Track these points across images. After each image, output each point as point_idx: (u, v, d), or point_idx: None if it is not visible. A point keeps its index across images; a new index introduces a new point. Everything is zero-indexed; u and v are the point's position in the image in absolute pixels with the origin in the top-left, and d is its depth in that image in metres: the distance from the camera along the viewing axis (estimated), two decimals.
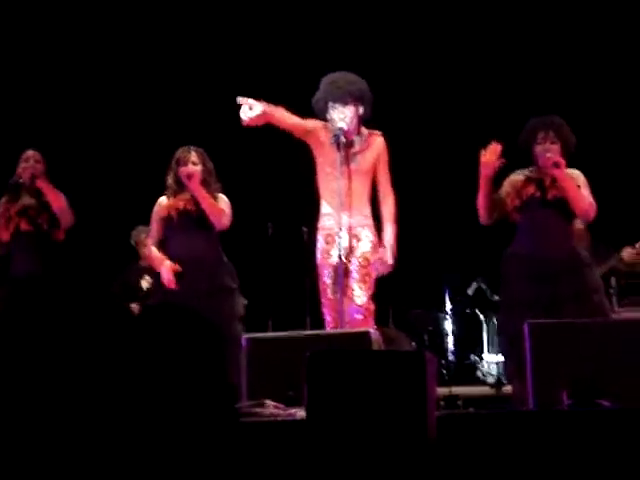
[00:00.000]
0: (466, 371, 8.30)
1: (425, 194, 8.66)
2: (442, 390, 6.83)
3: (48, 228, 5.70)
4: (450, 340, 8.45)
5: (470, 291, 8.66)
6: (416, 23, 8.57)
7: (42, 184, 5.66)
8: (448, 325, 8.48)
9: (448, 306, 8.53)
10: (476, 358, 8.37)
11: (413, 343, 8.00)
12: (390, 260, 5.22)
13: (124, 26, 8.45)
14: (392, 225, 5.28)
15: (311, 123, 5.32)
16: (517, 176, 5.26)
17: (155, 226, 5.61)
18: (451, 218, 8.54)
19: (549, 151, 5.10)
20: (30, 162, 5.71)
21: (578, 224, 5.88)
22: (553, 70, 8.34)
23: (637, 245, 6.75)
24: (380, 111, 5.58)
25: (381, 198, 5.32)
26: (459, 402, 6.67)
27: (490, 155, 5.10)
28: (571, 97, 7.86)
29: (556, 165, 5.02)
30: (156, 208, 5.59)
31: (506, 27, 8.43)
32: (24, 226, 5.68)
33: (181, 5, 8.48)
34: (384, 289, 6.98)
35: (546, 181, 5.14)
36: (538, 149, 5.15)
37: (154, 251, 5.56)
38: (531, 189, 5.15)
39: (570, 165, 5.14)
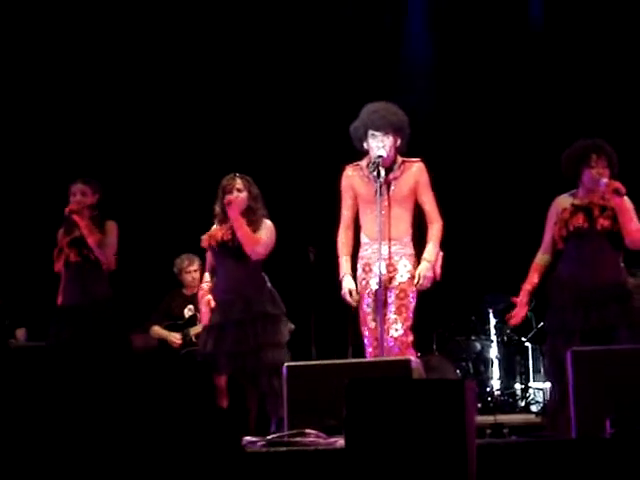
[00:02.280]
0: (511, 399, 8.22)
1: (472, 219, 8.64)
2: (487, 418, 6.76)
3: (95, 258, 5.80)
4: (495, 367, 8.38)
5: None
6: (447, 54, 8.61)
7: (78, 220, 5.78)
8: (493, 352, 8.41)
9: (492, 333, 8.46)
10: (522, 386, 8.30)
11: (457, 371, 7.94)
12: (428, 273, 5.20)
13: (170, 60, 8.58)
14: (434, 245, 5.28)
15: (347, 183, 5.40)
16: (563, 202, 5.19)
17: (207, 255, 5.72)
18: (498, 246, 8.52)
19: (603, 175, 5.03)
20: (76, 197, 5.84)
21: None
22: (589, 95, 8.31)
23: None
24: (422, 137, 5.61)
25: (428, 224, 5.35)
26: (505, 430, 6.59)
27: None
28: (607, 123, 7.81)
29: (618, 193, 4.95)
30: (203, 237, 5.69)
31: (537, 54, 8.44)
32: (73, 257, 5.83)
33: (224, 38, 8.59)
34: (429, 316, 6.97)
35: (595, 211, 5.07)
36: (591, 172, 5.07)
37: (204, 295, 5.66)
38: (579, 219, 5.07)
39: None
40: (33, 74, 8.38)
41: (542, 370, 8.40)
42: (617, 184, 4.96)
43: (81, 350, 5.63)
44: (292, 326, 5.83)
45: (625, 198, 5.02)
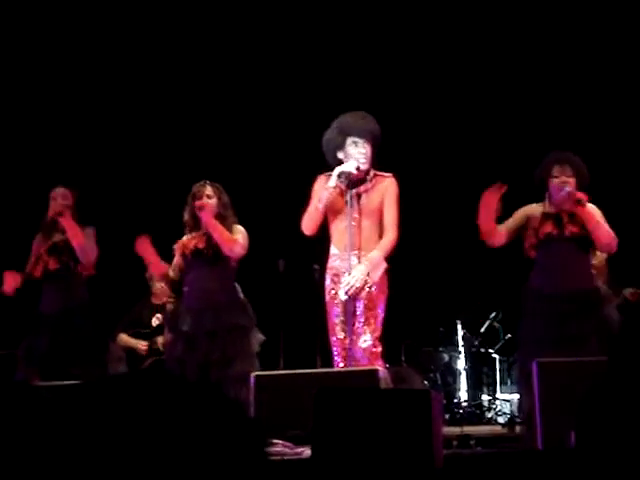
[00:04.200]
0: (478, 410, 8.26)
1: (439, 231, 8.68)
2: (454, 430, 6.77)
3: (74, 265, 5.78)
4: (463, 379, 8.41)
5: (482, 329, 8.64)
6: (423, 61, 8.65)
7: (64, 221, 5.75)
8: (461, 364, 8.44)
9: (460, 344, 8.50)
10: (489, 397, 8.33)
11: (425, 382, 7.96)
12: (360, 275, 5.07)
13: (147, 68, 8.58)
14: (378, 253, 5.16)
15: (319, 187, 5.31)
16: (532, 211, 5.26)
17: (175, 261, 5.71)
18: (467, 258, 8.56)
19: (566, 184, 5.11)
20: (58, 200, 5.81)
21: (596, 260, 5.89)
22: (563, 106, 8.37)
23: None
24: (394, 151, 5.63)
25: (383, 234, 5.26)
26: (472, 442, 6.61)
27: (490, 193, 5.13)
28: (582, 133, 7.88)
29: (579, 202, 5.03)
30: (175, 246, 5.67)
31: (514, 65, 8.49)
32: (52, 264, 5.80)
33: (203, 44, 8.59)
34: (397, 327, 6.98)
35: (564, 218, 5.14)
36: (554, 182, 5.17)
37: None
38: (548, 227, 5.15)
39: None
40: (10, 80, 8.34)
41: (509, 382, 8.46)
42: (579, 194, 5.05)
43: (58, 358, 5.60)
44: (262, 337, 5.81)
45: (589, 205, 5.09)
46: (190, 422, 1.64)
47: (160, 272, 5.84)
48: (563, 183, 5.12)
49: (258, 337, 5.61)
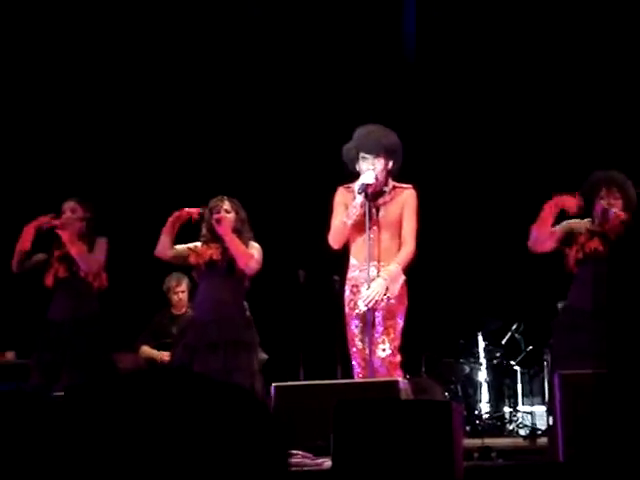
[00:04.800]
0: (500, 422, 8.22)
1: (461, 242, 8.67)
2: (475, 442, 6.75)
3: (85, 275, 5.82)
4: (484, 391, 8.38)
5: (504, 341, 8.61)
6: (448, 71, 8.65)
7: (63, 235, 5.80)
8: (482, 375, 8.41)
9: (482, 356, 8.47)
10: (510, 409, 8.29)
11: (446, 393, 7.94)
12: (379, 289, 5.08)
13: (161, 81, 8.62)
14: (396, 265, 5.16)
15: (340, 199, 5.34)
16: (578, 226, 5.28)
17: (180, 247, 5.69)
18: (489, 270, 8.55)
19: (613, 207, 5.13)
20: (65, 213, 5.87)
21: None
22: (585, 119, 8.34)
23: None
24: (415, 162, 5.62)
25: (401, 246, 5.26)
26: (493, 454, 6.58)
27: (568, 198, 5.14)
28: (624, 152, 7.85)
29: (624, 223, 5.07)
30: (190, 251, 5.68)
31: (539, 75, 8.47)
32: (62, 272, 5.84)
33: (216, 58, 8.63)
34: (417, 338, 6.97)
35: (611, 236, 5.16)
36: (602, 204, 5.18)
37: None
38: (595, 243, 5.17)
39: None
40: (20, 92, 8.40)
41: (531, 394, 8.41)
42: (623, 214, 5.07)
43: (65, 367, 5.62)
44: (265, 356, 5.81)
45: None
46: (213, 422, 1.65)
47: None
48: (610, 205, 5.14)
49: (260, 356, 5.62)
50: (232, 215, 5.61)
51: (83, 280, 5.84)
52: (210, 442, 1.69)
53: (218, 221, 5.52)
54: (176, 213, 5.63)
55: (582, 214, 5.30)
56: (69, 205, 5.93)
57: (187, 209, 5.61)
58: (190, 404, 1.72)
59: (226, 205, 5.63)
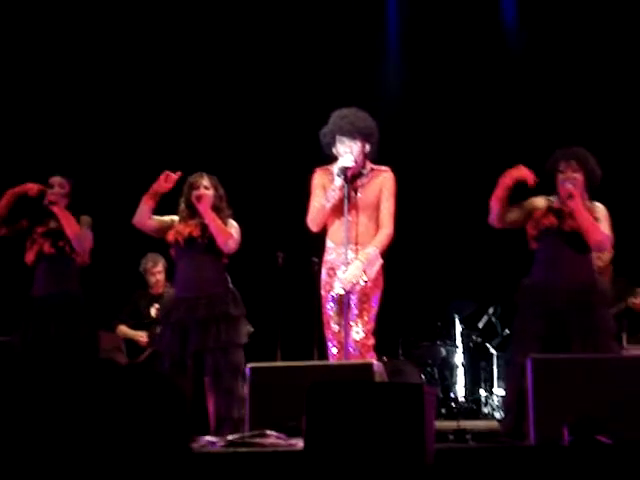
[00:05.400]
0: (475, 405, 8.28)
1: (438, 225, 8.70)
2: (450, 424, 6.78)
3: (70, 251, 5.79)
4: (460, 373, 8.43)
5: (481, 324, 8.66)
6: (424, 55, 8.66)
7: (57, 210, 5.76)
8: (458, 358, 8.46)
9: (458, 339, 8.52)
10: (486, 393, 8.35)
11: (422, 376, 7.98)
12: (356, 271, 5.11)
13: (143, 63, 8.60)
14: (374, 248, 5.19)
15: (318, 181, 5.35)
16: (540, 202, 5.27)
17: (159, 218, 5.68)
18: (465, 252, 8.58)
19: (570, 180, 5.12)
20: (54, 188, 5.83)
21: (600, 260, 5.89)
22: (577, 104, 8.38)
23: None
24: (392, 145, 5.63)
25: (378, 228, 5.28)
26: (468, 436, 6.62)
27: (518, 170, 5.14)
28: (591, 129, 7.89)
29: (570, 196, 5.05)
30: (167, 223, 5.66)
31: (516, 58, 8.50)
32: (47, 248, 5.80)
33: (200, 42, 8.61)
34: (395, 321, 7.00)
35: (565, 211, 5.16)
36: (560, 178, 5.18)
37: None
38: (549, 219, 5.15)
39: (597, 199, 5.18)
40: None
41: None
42: (570, 188, 5.06)
43: (47, 346, 5.60)
44: (251, 328, 5.82)
45: (596, 204, 5.12)
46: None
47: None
48: (568, 179, 5.13)
49: (247, 328, 5.63)
50: (211, 192, 5.60)
51: (68, 256, 5.81)
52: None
53: (198, 198, 5.50)
54: (157, 181, 5.58)
55: (549, 191, 5.32)
56: (57, 180, 5.87)
57: (167, 172, 5.55)
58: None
59: (205, 181, 5.61)
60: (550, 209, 5.20)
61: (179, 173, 5.54)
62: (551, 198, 5.26)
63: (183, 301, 5.50)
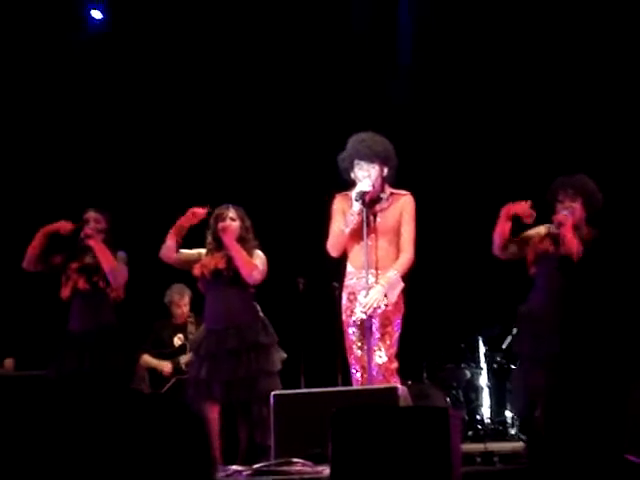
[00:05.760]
0: (502, 427, 8.21)
1: (460, 248, 8.67)
2: (477, 446, 6.74)
3: (104, 286, 5.81)
4: (485, 395, 8.38)
5: (504, 345, 8.61)
6: (440, 80, 8.67)
7: (94, 244, 5.78)
8: (483, 380, 8.41)
9: (482, 361, 8.47)
10: (512, 414, 8.29)
11: (447, 399, 7.94)
12: (377, 295, 5.11)
13: (162, 88, 8.66)
14: (395, 272, 5.19)
15: (338, 206, 5.37)
16: (540, 229, 5.37)
17: (186, 252, 5.71)
18: (488, 274, 8.55)
19: (568, 209, 5.18)
20: (90, 223, 5.84)
21: None
22: (578, 130, 8.36)
23: None
24: (412, 168, 5.64)
25: (399, 253, 5.29)
26: (495, 458, 6.58)
27: (516, 205, 5.18)
28: (599, 158, 7.87)
29: (559, 224, 5.15)
30: (193, 257, 5.68)
31: (530, 88, 8.49)
32: (82, 284, 5.82)
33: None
34: (418, 344, 6.98)
35: (561, 237, 5.20)
36: (558, 207, 5.27)
37: None
38: (546, 244, 5.25)
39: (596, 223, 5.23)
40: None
41: None
42: (560, 217, 5.14)
43: (81, 380, 5.62)
44: (284, 355, 5.84)
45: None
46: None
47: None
48: (566, 208, 5.20)
49: (280, 355, 5.64)
50: (237, 223, 5.65)
51: (102, 291, 5.83)
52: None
53: (223, 229, 5.55)
54: (184, 216, 5.62)
55: (546, 220, 5.38)
56: (92, 215, 5.90)
57: (194, 208, 5.60)
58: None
59: (231, 213, 5.67)
60: (548, 235, 5.32)
61: (207, 208, 5.59)
62: (551, 226, 5.35)
63: (213, 333, 5.54)
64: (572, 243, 5.12)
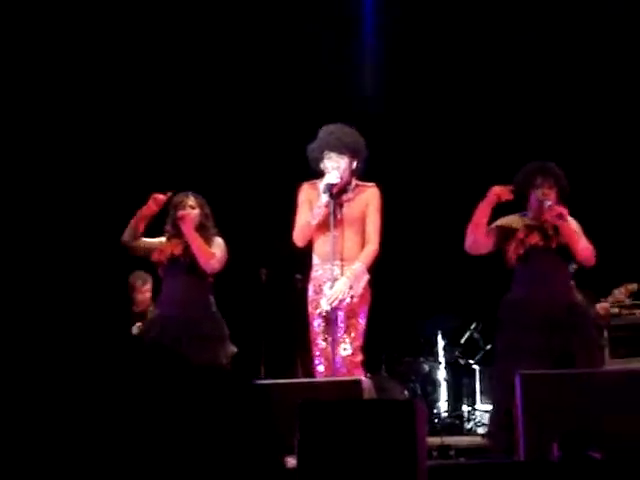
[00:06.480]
0: (458, 421, 8.27)
1: (421, 241, 8.71)
2: (434, 440, 6.78)
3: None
4: (443, 389, 8.43)
5: (463, 339, 8.67)
6: (414, 72, 8.68)
7: (184, 226, 5.55)
8: (441, 374, 8.46)
9: (441, 355, 8.52)
10: (469, 408, 8.35)
11: (405, 392, 7.98)
12: (343, 287, 5.11)
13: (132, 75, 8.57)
14: (360, 264, 5.18)
15: (305, 196, 5.36)
16: (513, 222, 5.30)
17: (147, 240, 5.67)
18: (447, 267, 8.58)
19: (547, 196, 5.15)
20: (185, 208, 5.66)
21: None
22: (544, 116, 8.43)
23: (609, 299, 6.85)
24: (377, 162, 5.64)
25: (364, 244, 5.28)
26: (451, 452, 6.63)
27: (502, 189, 5.16)
28: (566, 144, 7.95)
29: (561, 217, 5.08)
30: (155, 245, 5.65)
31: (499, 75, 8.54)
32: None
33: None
34: (377, 336, 6.99)
35: (549, 230, 5.19)
36: (536, 194, 5.21)
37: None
38: (535, 238, 5.18)
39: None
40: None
41: (488, 392, 8.49)
42: (560, 209, 5.09)
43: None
44: (233, 349, 5.80)
45: (569, 219, 5.15)
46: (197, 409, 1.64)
47: None
48: (544, 195, 5.17)
49: (229, 349, 5.58)
50: (197, 211, 5.61)
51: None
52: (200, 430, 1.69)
53: (182, 218, 5.51)
54: (146, 205, 5.56)
55: (512, 208, 5.35)
56: (188, 200, 5.66)
57: (156, 194, 5.54)
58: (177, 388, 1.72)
59: (191, 201, 5.62)
60: (531, 227, 5.24)
61: (169, 194, 5.54)
62: (523, 216, 5.30)
63: (161, 319, 5.52)
64: (573, 235, 5.11)
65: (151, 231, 5.74)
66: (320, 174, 5.29)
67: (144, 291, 7.23)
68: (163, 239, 5.67)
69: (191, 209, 5.60)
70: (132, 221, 5.57)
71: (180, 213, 5.54)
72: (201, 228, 5.57)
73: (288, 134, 7.69)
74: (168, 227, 5.66)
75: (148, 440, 1.65)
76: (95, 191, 8.27)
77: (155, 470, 1.63)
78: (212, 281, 5.64)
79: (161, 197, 5.53)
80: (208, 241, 5.56)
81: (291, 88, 8.57)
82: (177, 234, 5.59)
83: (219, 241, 5.63)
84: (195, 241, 5.48)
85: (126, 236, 5.57)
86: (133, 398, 1.71)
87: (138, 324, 7.18)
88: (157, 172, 8.17)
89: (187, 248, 5.54)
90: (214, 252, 5.54)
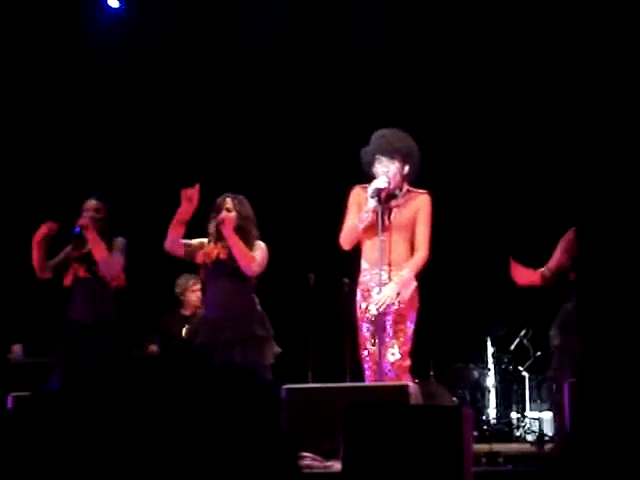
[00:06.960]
0: (507, 428, 8.20)
1: (472, 248, 8.66)
2: (483, 447, 6.73)
3: (104, 275, 5.81)
4: (492, 396, 8.37)
5: (512, 346, 8.60)
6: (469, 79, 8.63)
7: (89, 235, 5.78)
8: (490, 381, 8.40)
9: (490, 361, 8.46)
10: (518, 415, 8.28)
11: (454, 398, 7.93)
12: (391, 293, 5.11)
13: (170, 76, 8.63)
14: (408, 271, 5.19)
15: (355, 199, 5.37)
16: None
17: (189, 242, 5.69)
18: (498, 275, 8.52)
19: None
20: (89, 212, 5.84)
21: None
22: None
23: None
24: (431, 168, 5.62)
25: (414, 251, 5.28)
26: (500, 459, 6.56)
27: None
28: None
29: None
30: (197, 246, 5.68)
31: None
32: (82, 273, 5.84)
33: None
34: (427, 342, 6.96)
35: None
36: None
37: None
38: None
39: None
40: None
41: (539, 399, 8.40)
42: None
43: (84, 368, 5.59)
44: (278, 349, 5.83)
45: None
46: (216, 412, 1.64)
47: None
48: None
49: (274, 349, 5.61)
50: (233, 214, 5.60)
51: (102, 280, 5.84)
52: (216, 431, 1.68)
53: (220, 221, 5.53)
54: (180, 207, 5.57)
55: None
56: (92, 204, 5.90)
57: (185, 190, 5.51)
58: (192, 390, 1.72)
59: (228, 203, 5.62)
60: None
61: (197, 186, 5.52)
62: None
63: (210, 322, 5.53)
64: None
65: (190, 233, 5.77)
66: (372, 177, 5.28)
67: (196, 290, 7.27)
68: (204, 240, 5.68)
69: (227, 212, 5.60)
70: (170, 227, 5.56)
71: (219, 216, 5.56)
72: (239, 230, 5.56)
73: (341, 136, 7.69)
74: (211, 230, 5.66)
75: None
76: (139, 193, 8.35)
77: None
78: (255, 283, 5.66)
79: (190, 191, 5.51)
80: (249, 244, 5.56)
81: (347, 90, 8.56)
82: (220, 237, 5.60)
83: (261, 245, 5.64)
84: (236, 244, 5.48)
85: (167, 243, 5.59)
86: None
87: (187, 326, 7.24)
88: (207, 176, 8.23)
89: (231, 251, 5.56)
90: (254, 255, 5.54)
